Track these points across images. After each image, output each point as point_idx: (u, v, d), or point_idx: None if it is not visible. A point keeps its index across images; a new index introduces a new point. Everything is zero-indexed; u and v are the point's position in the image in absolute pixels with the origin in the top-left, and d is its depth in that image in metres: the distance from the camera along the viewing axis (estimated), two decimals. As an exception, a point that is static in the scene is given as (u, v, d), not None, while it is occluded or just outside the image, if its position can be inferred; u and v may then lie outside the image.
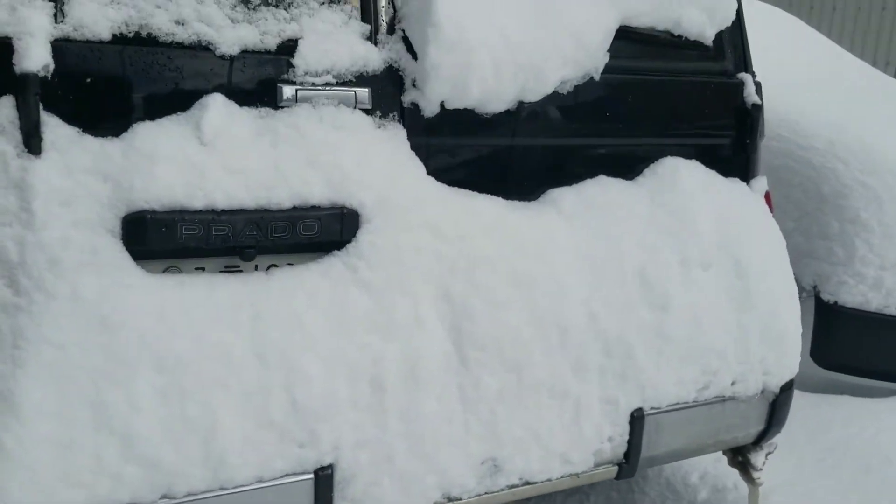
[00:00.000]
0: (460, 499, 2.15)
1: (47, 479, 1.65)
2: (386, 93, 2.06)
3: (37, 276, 1.68)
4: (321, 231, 1.94)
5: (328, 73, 1.97)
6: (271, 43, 1.94)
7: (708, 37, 2.53)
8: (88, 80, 1.77)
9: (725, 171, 2.61)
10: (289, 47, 1.95)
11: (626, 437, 2.37)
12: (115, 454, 1.71)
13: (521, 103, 2.21)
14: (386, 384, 1.99)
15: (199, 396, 1.78)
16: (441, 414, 2.07)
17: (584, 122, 2.39)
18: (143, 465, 1.74)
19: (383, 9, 2.07)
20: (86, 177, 1.75)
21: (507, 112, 2.21)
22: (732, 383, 2.50)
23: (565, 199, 2.31)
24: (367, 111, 2.04)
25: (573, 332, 2.22)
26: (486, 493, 2.19)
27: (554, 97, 2.27)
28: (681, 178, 2.47)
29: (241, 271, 1.96)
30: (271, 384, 1.85)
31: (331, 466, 1.94)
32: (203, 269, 1.93)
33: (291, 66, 1.94)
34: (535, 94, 2.21)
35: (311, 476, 1.92)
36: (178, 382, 1.76)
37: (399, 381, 2.00)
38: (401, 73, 2.07)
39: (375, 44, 2.05)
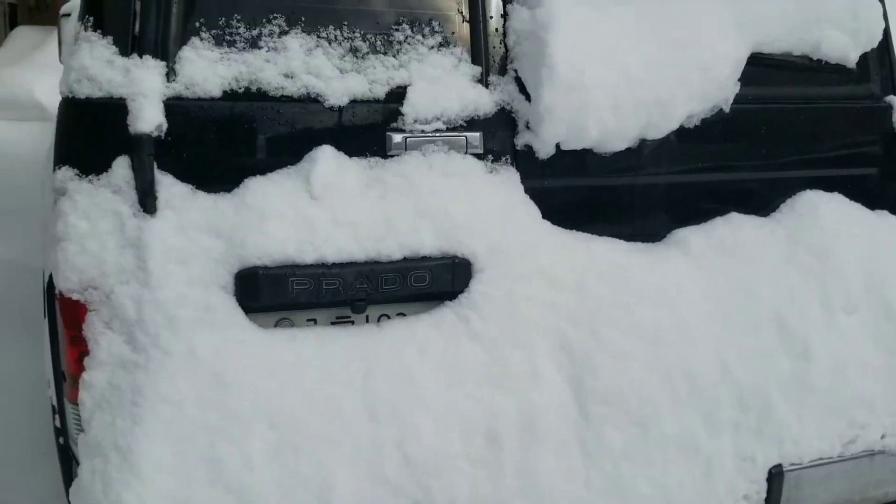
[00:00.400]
0: (581, 559, 2.04)
1: (165, 535, 1.66)
2: (498, 136, 2.00)
3: (153, 334, 1.71)
4: (432, 282, 1.89)
5: (438, 119, 1.92)
6: (380, 91, 1.91)
7: (851, 60, 2.33)
8: (200, 138, 1.79)
9: (872, 204, 2.39)
10: (398, 94, 1.91)
11: (764, 496, 2.19)
12: None
13: (643, 140, 2.09)
14: (502, 439, 1.91)
15: (311, 453, 1.76)
16: (560, 470, 1.97)
17: (712, 156, 2.25)
18: (257, 523, 1.73)
19: (494, 49, 2.00)
20: (199, 234, 1.76)
21: (629, 150, 2.09)
22: (882, 436, 2.28)
23: (692, 240, 2.17)
24: (478, 155, 1.98)
25: (703, 383, 2.07)
26: (609, 554, 2.07)
27: (680, 132, 2.14)
28: (822, 213, 2.28)
29: (352, 321, 1.93)
30: (383, 440, 1.81)
31: (446, 525, 1.88)
32: (315, 320, 1.91)
33: (400, 113, 1.91)
34: (659, 130, 2.08)
35: (427, 534, 1.86)
36: (291, 439, 1.75)
37: (515, 435, 1.92)
38: (513, 115, 2.00)
39: (486, 86, 1.99)
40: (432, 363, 1.87)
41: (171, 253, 1.73)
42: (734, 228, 2.23)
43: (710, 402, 2.09)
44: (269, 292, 1.78)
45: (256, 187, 1.80)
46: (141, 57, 1.74)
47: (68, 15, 4.18)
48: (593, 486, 2.00)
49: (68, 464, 2.35)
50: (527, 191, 2.01)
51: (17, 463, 3.14)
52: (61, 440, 2.40)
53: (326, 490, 1.76)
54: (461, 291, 1.92)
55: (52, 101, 8.19)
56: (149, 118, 1.71)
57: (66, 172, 1.75)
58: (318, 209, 1.82)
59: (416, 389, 1.84)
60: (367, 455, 1.80)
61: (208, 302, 1.75)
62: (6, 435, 3.30)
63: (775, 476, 2.18)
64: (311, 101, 1.86)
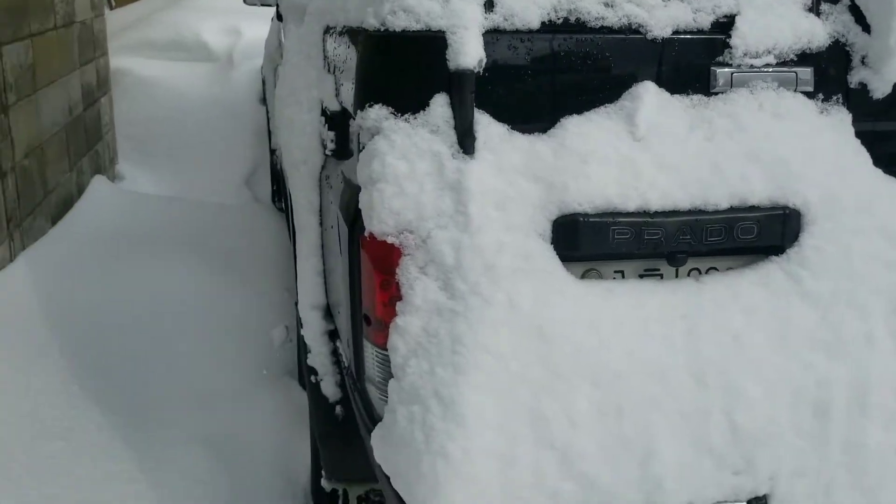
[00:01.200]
0: (904, 544, 1.84)
1: (490, 492, 1.58)
2: (829, 72, 1.78)
3: (473, 281, 1.60)
4: (759, 235, 1.71)
5: (769, 52, 1.73)
6: (704, 21, 1.73)
7: None
8: (516, 74, 1.67)
9: None
10: (724, 25, 1.73)
11: None
12: (555, 470, 1.60)
13: None
14: (830, 409, 1.73)
15: (635, 415, 1.63)
16: (889, 445, 1.77)
17: None
18: (581, 484, 1.61)
19: (829, -26, 1.79)
20: (517, 177, 1.64)
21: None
22: None
23: None
24: (808, 94, 1.77)
25: None
26: (936, 539, 1.86)
27: None
28: None
29: (660, 275, 1.78)
30: (709, 406, 1.66)
31: (765, 497, 1.72)
32: (622, 272, 1.77)
33: (728, 46, 1.72)
34: None
35: (744, 506, 1.71)
36: (615, 399, 1.62)
37: (844, 406, 1.73)
38: (848, 48, 1.78)
39: (818, 15, 1.78)
40: (760, 324, 1.70)
41: (490, 197, 1.62)
42: None
43: None
44: (588, 241, 1.65)
45: (576, 128, 1.66)
46: None
47: None
48: (924, 464, 1.80)
49: (320, 401, 2.34)
50: (857, 135, 1.80)
51: (233, 395, 3.21)
52: (313, 379, 2.40)
53: (649, 455, 1.64)
54: (789, 246, 1.74)
55: (217, 42, 8.42)
56: (471, 52, 1.59)
57: (380, 111, 1.66)
58: (642, 152, 1.67)
59: (743, 352, 1.68)
60: (692, 420, 1.66)
61: (527, 249, 1.63)
62: (223, 371, 3.38)
63: None
64: (632, 32, 1.70)
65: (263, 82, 6.31)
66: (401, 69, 1.65)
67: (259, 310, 3.93)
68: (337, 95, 2.05)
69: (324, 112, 2.19)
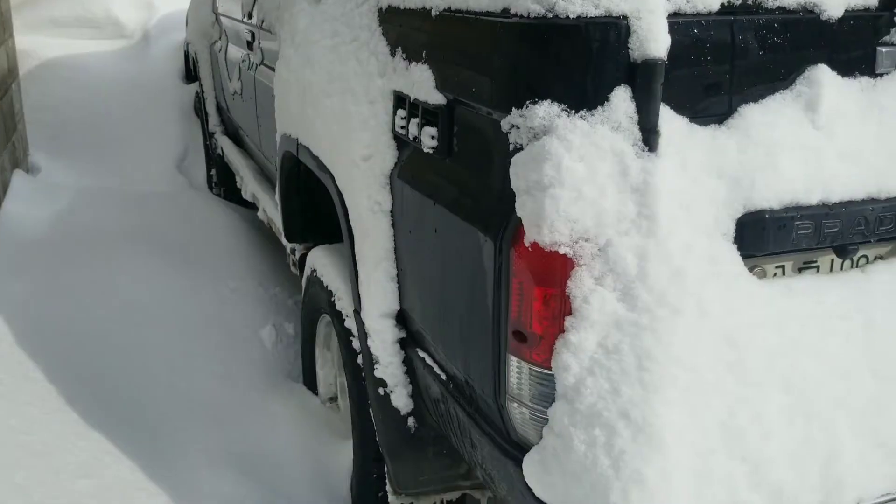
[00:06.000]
0: None
1: (686, 512, 1.50)
2: None
3: (659, 290, 1.49)
4: (931, 221, 1.67)
5: (938, 30, 1.65)
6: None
7: None
8: (696, 60, 1.54)
9: None
10: (890, 3, 1.64)
11: None
12: (745, 482, 1.54)
13: None
14: None
15: (821, 417, 1.58)
16: None
17: None
18: (767, 493, 1.56)
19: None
20: (701, 174, 1.53)
21: None
22: None
23: None
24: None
25: None
26: None
27: None
28: None
29: (817, 267, 1.72)
30: (886, 399, 1.63)
31: (927, 484, 1.72)
32: (783, 267, 1.70)
33: (893, 24, 1.64)
34: None
35: (909, 497, 1.71)
36: (803, 402, 1.57)
37: None
38: None
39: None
40: (933, 314, 1.67)
41: (675, 198, 1.51)
42: None
43: None
44: (774, 238, 1.57)
45: (757, 117, 1.55)
46: None
47: None
48: None
49: (389, 414, 2.20)
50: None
51: (245, 408, 3.03)
52: (381, 391, 2.24)
53: (833, 457, 1.60)
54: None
55: (129, 17, 7.79)
56: (660, 39, 1.45)
57: (549, 108, 1.49)
58: (824, 141, 1.58)
59: (916, 343, 1.65)
60: (871, 417, 1.62)
61: (713, 251, 1.53)
62: (224, 381, 3.17)
63: None
64: (806, 12, 1.59)
65: (191, 59, 5.85)
66: (576, 60, 1.49)
67: (238, 308, 3.67)
68: (441, 87, 1.85)
69: (405, 104, 1.99)
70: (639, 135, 1.49)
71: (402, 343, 2.22)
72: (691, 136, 1.53)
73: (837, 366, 1.59)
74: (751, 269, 1.66)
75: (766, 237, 1.56)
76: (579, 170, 1.48)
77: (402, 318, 2.22)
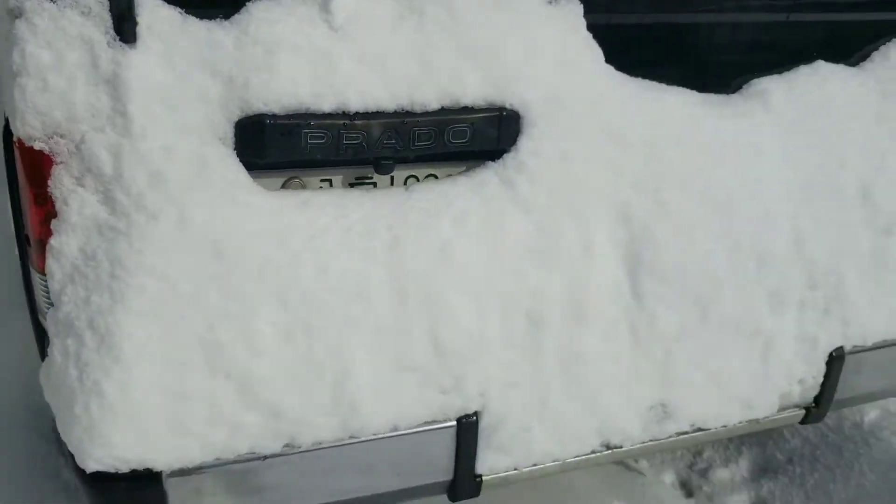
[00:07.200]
0: (621, 447, 1.85)
1: (155, 428, 1.43)
2: (559, -43, 1.61)
3: (136, 194, 1.39)
4: (473, 138, 1.56)
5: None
6: None
7: None
8: None
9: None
10: None
11: (821, 380, 2.00)
12: (233, 401, 1.47)
13: None
14: (544, 320, 1.66)
15: (328, 336, 1.50)
16: (606, 353, 1.74)
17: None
18: (264, 413, 1.50)
19: None
20: (191, 71, 1.41)
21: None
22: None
23: (774, 92, 1.84)
24: (535, -18, 1.60)
25: (774, 259, 1.82)
26: (650, 441, 1.88)
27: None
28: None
29: (374, 183, 1.62)
30: (412, 323, 1.55)
31: (475, 414, 1.66)
32: (329, 181, 1.60)
33: None
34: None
35: (454, 424, 1.65)
36: (304, 320, 1.48)
37: (560, 316, 1.67)
38: (580, -69, 1.61)
39: None
40: (470, 234, 1.58)
41: (155, 93, 1.39)
42: (821, 80, 1.89)
43: (779, 278, 1.84)
44: (277, 146, 1.46)
45: (262, 13, 1.43)
46: None
47: None
48: (641, 372, 1.79)
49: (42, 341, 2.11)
50: (589, 28, 1.65)
51: None
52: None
53: (343, 377, 1.52)
54: (507, 150, 1.61)
55: None
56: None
57: None
58: (340, 43, 1.46)
59: (450, 265, 1.57)
60: (392, 339, 1.55)
61: (203, 156, 1.42)
62: None
63: (836, 359, 1.98)
64: None
65: None
66: (41, -66, 1.35)
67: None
68: None
69: None
70: (110, 22, 1.36)
71: None
72: (182, 28, 1.40)
73: (351, 284, 1.51)
74: (287, 181, 1.57)
75: (270, 144, 1.45)
76: (45, 57, 1.35)
77: None
